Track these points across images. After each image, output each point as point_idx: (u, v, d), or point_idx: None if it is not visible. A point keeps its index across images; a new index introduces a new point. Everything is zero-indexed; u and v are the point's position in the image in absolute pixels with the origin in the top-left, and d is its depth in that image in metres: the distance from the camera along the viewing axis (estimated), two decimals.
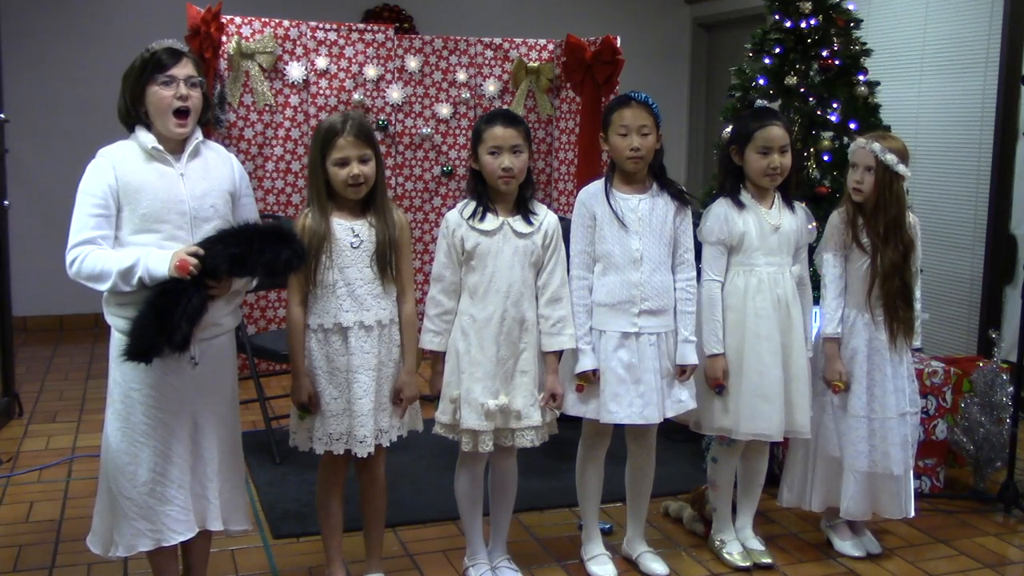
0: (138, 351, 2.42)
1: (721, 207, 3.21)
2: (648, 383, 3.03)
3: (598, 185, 3.12)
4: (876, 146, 3.22)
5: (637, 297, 3.03)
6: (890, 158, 3.20)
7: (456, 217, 2.94)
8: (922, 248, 3.38)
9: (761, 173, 3.17)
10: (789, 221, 3.22)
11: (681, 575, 3.28)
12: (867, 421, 3.27)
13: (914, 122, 5.53)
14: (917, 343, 3.40)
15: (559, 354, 3.01)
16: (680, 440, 4.49)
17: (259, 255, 2.45)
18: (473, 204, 2.94)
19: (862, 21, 4.48)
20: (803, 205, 3.32)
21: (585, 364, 3.02)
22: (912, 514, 3.37)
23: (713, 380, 3.17)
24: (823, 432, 3.33)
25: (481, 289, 2.92)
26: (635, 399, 3.02)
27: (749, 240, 3.17)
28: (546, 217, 2.99)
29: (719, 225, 3.18)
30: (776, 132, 3.15)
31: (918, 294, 3.36)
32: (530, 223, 2.95)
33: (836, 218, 3.32)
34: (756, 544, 3.38)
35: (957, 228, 5.36)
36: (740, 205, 3.20)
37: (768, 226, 3.18)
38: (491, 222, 2.92)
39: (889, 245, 3.22)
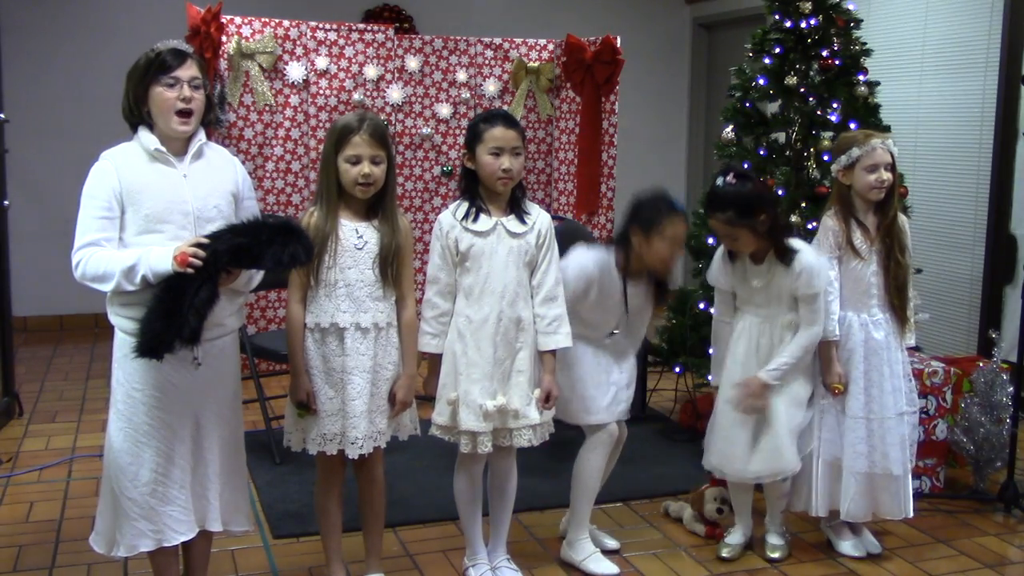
0: (148, 347, 2.43)
1: (718, 254, 3.34)
2: (617, 383, 3.22)
3: (610, 262, 3.15)
4: (890, 143, 3.26)
5: (601, 345, 3.23)
6: (895, 150, 3.27)
7: (449, 219, 2.94)
8: (922, 248, 3.41)
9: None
10: (779, 277, 3.20)
11: (681, 575, 3.28)
12: (865, 422, 3.28)
13: (914, 122, 5.53)
14: (911, 341, 3.42)
15: (555, 353, 3.02)
16: (680, 440, 4.50)
17: (266, 245, 2.45)
18: (466, 205, 2.94)
19: (862, 21, 4.47)
20: (805, 257, 3.16)
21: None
22: (911, 514, 3.37)
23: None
24: (825, 435, 3.33)
25: (476, 290, 2.92)
26: (610, 388, 3.21)
27: (738, 290, 3.31)
28: (539, 216, 3.00)
29: (714, 273, 3.36)
30: (719, 227, 3.20)
31: (912, 291, 3.39)
32: (524, 223, 2.95)
33: (829, 221, 3.31)
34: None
35: (957, 228, 5.36)
36: (732, 255, 3.29)
37: (752, 282, 3.25)
38: (485, 223, 2.92)
39: (895, 238, 3.27)
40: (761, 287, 3.22)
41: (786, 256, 3.15)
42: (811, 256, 3.18)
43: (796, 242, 3.21)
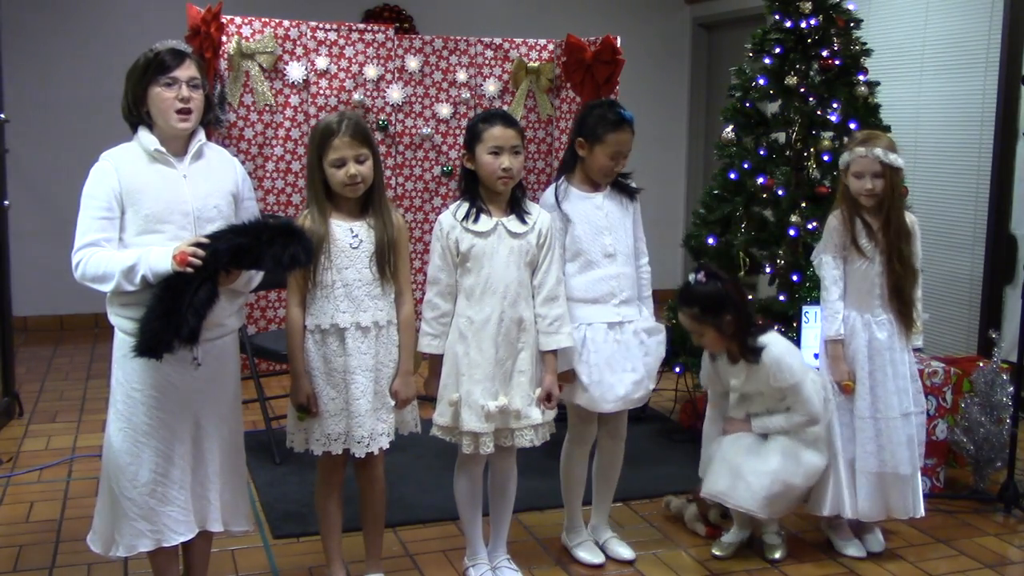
0: (147, 347, 2.43)
1: (704, 355, 3.39)
2: (637, 370, 3.13)
3: (564, 187, 3.17)
4: (878, 151, 3.22)
5: (616, 289, 3.13)
6: (892, 158, 3.23)
7: (450, 219, 2.93)
8: (922, 248, 3.40)
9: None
10: (754, 373, 3.22)
11: (681, 575, 3.28)
12: (873, 422, 3.30)
13: (914, 122, 5.53)
14: (919, 343, 3.42)
15: (556, 353, 3.01)
16: (680, 440, 4.50)
17: (267, 246, 2.46)
18: (466, 206, 2.93)
19: (862, 21, 4.47)
20: (773, 351, 3.19)
21: (562, 365, 3.07)
22: (921, 513, 3.39)
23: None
24: (845, 433, 3.34)
25: (478, 291, 2.91)
26: (626, 375, 3.11)
27: (728, 391, 3.35)
28: (539, 216, 3.00)
29: (702, 373, 3.45)
30: (686, 321, 3.26)
31: (919, 293, 3.38)
32: (524, 222, 2.95)
33: (834, 220, 3.33)
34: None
35: (957, 228, 5.36)
36: (712, 356, 3.35)
37: (731, 382, 3.30)
38: (485, 223, 2.91)
39: (900, 241, 3.27)
40: (739, 386, 3.27)
41: (750, 355, 3.19)
42: (778, 348, 3.19)
43: (766, 336, 3.21)
